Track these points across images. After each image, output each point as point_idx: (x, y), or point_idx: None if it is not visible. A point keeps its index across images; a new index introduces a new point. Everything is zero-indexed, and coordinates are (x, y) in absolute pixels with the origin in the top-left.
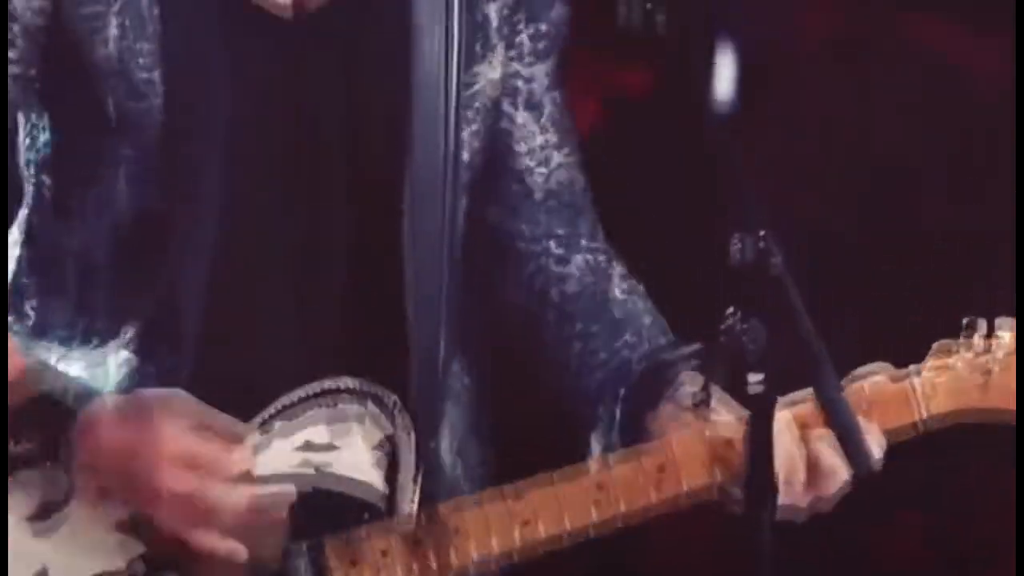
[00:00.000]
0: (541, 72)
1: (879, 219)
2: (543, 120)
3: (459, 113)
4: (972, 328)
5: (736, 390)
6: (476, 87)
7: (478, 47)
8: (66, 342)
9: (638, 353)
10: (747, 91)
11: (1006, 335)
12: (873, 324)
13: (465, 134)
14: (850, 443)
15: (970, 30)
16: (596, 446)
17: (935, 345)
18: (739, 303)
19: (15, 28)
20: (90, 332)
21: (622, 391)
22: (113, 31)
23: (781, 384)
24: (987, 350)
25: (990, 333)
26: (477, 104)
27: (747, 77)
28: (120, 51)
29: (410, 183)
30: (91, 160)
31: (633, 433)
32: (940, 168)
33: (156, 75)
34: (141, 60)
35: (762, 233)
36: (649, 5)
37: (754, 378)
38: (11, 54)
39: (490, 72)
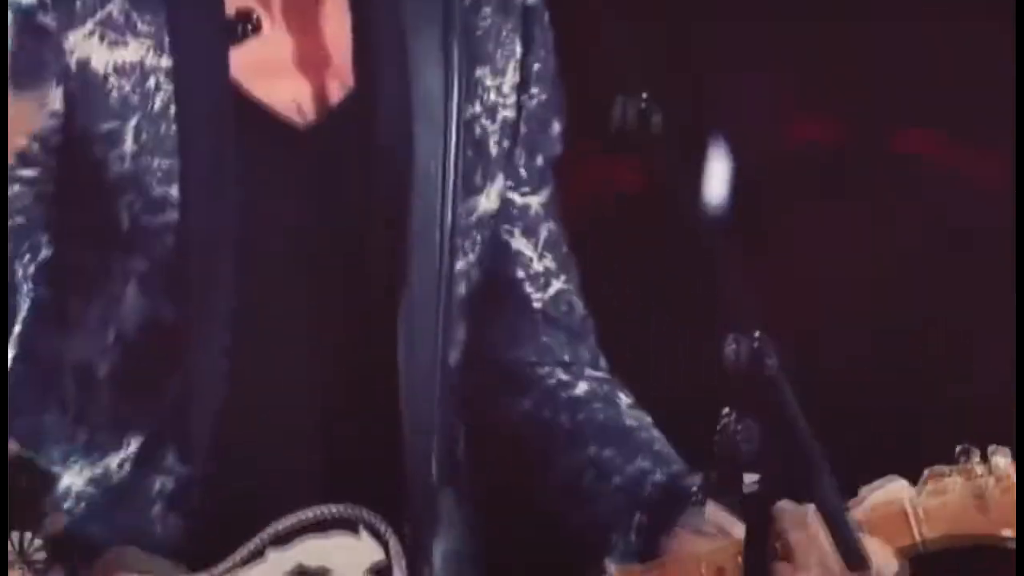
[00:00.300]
0: (536, 203)
1: (872, 344)
2: (540, 248)
3: (454, 243)
4: (966, 456)
5: (731, 491)
6: (474, 217)
7: (477, 178)
8: (64, 455)
9: (652, 479)
10: (742, 193)
11: (1001, 462)
12: (865, 452)
13: (461, 264)
14: (844, 544)
15: (966, 143)
16: (612, 570)
17: (927, 471)
18: (734, 404)
19: (35, 147)
20: (91, 444)
21: (637, 517)
22: (130, 147)
23: (777, 485)
24: (981, 475)
25: (984, 460)
26: (475, 234)
27: (742, 179)
28: (137, 167)
29: (405, 310)
30: (98, 273)
31: (648, 560)
32: (936, 288)
33: (173, 190)
34: (159, 175)
35: (757, 334)
36: (644, 105)
37: (749, 479)
38: (32, 172)
39: (487, 203)
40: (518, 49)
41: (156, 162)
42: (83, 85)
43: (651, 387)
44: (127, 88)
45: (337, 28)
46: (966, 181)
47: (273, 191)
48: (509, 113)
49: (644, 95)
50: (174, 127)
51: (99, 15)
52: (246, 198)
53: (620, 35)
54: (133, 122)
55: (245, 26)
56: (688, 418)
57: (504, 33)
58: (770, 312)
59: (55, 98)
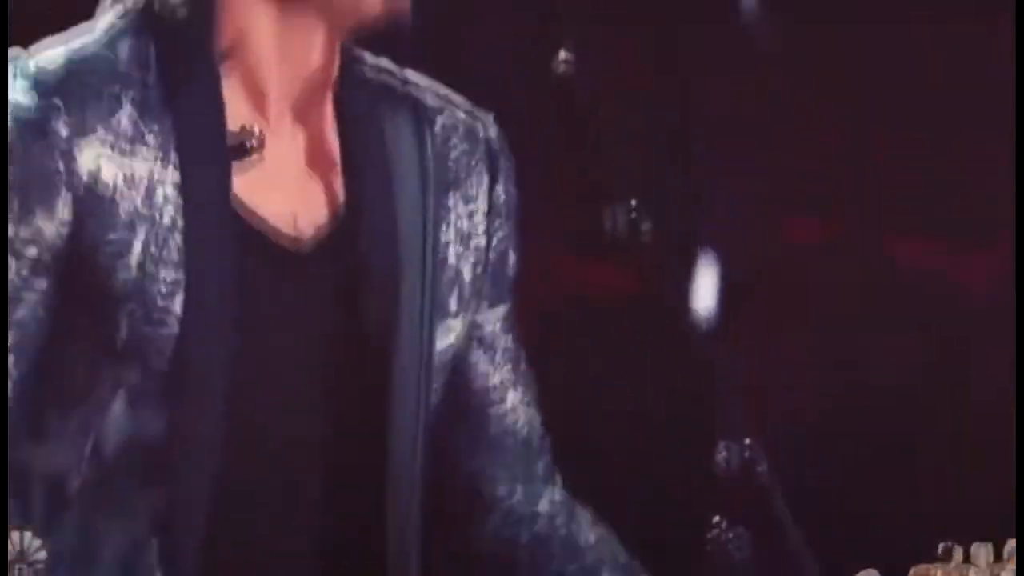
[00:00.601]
0: (493, 317)
1: (864, 445)
2: (497, 360)
3: (430, 366)
4: (948, 555)
5: None
6: (447, 343)
7: (452, 303)
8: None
9: None
10: (732, 299)
11: (982, 561)
12: (847, 550)
13: (434, 386)
14: None
15: (955, 248)
16: None
17: (912, 571)
18: (725, 512)
19: (34, 252)
20: (59, 561)
21: None
22: (136, 257)
23: None
24: (964, 572)
25: (967, 559)
26: (445, 361)
27: (732, 284)
28: (142, 277)
29: (388, 438)
30: (87, 382)
31: None
32: (929, 389)
33: (176, 303)
34: (163, 288)
35: (747, 441)
36: (634, 213)
37: None
38: (26, 274)
39: (460, 328)
40: (486, 179)
41: (162, 274)
42: (93, 195)
43: (642, 492)
44: (137, 200)
45: (328, 152)
46: (960, 288)
47: (266, 307)
48: (481, 240)
49: (633, 202)
50: (181, 240)
51: (111, 122)
52: (244, 314)
53: (610, 140)
54: (141, 234)
55: (249, 143)
56: (680, 525)
57: (473, 163)
58: (760, 414)
59: (64, 207)
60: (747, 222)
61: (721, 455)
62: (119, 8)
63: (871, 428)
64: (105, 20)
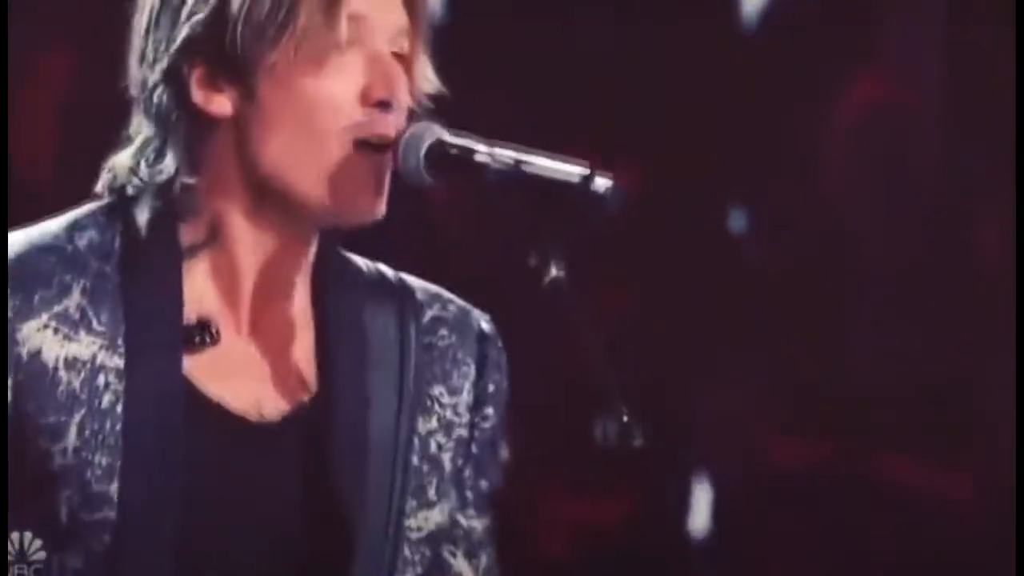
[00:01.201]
0: (480, 527)
1: None
2: (480, 572)
3: (395, 557)
4: None
5: None
6: (425, 532)
7: (431, 492)
8: None
9: None
10: (724, 518)
11: None
12: None
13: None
14: None
15: (939, 466)
16: None
17: None
18: None
19: None
20: None
21: None
22: (73, 441)
23: None
24: None
25: None
26: (425, 549)
27: (725, 504)
28: (78, 462)
29: None
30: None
31: None
32: None
33: (112, 489)
34: (99, 472)
35: None
36: (626, 418)
37: None
38: None
39: (439, 518)
40: (472, 371)
41: (98, 458)
42: (32, 376)
43: None
44: (75, 384)
45: (302, 340)
46: (946, 507)
47: (219, 491)
48: (463, 432)
49: (624, 412)
50: (119, 426)
51: (55, 309)
52: (191, 497)
53: (600, 350)
54: (78, 418)
55: (203, 335)
56: None
57: (459, 354)
58: None
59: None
60: (736, 439)
61: None
62: (92, 205)
63: None
64: (73, 213)
